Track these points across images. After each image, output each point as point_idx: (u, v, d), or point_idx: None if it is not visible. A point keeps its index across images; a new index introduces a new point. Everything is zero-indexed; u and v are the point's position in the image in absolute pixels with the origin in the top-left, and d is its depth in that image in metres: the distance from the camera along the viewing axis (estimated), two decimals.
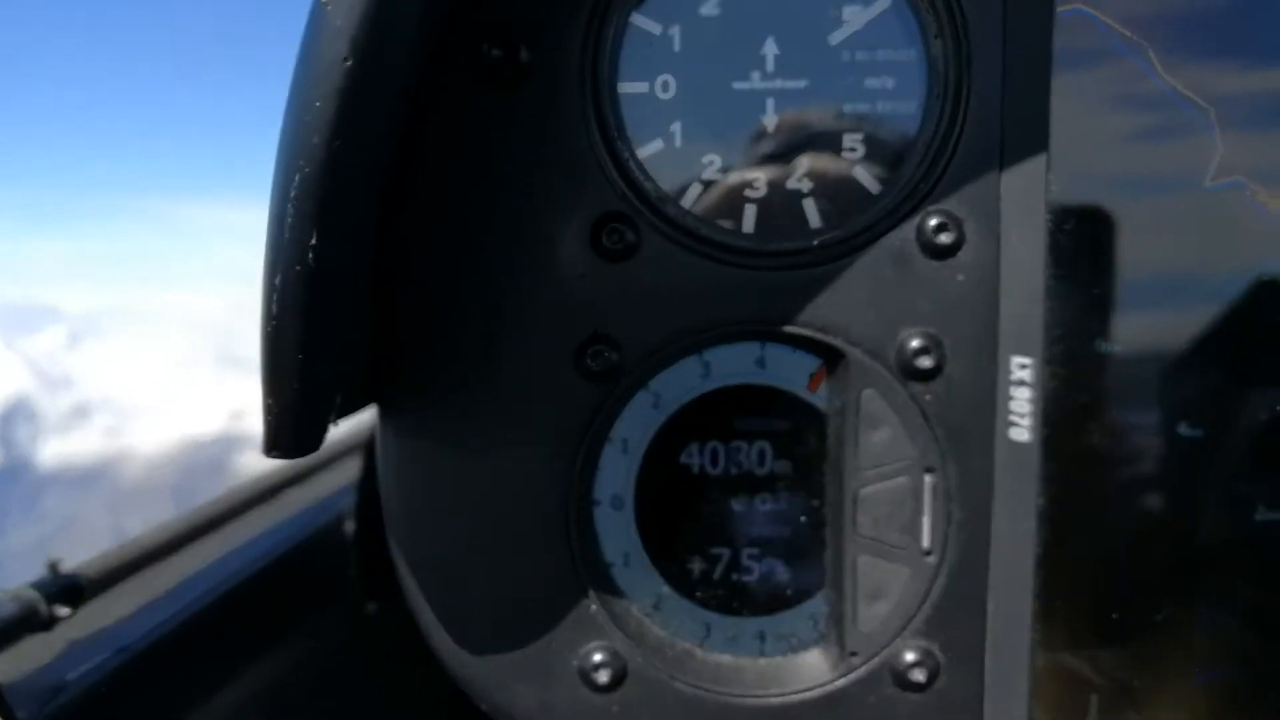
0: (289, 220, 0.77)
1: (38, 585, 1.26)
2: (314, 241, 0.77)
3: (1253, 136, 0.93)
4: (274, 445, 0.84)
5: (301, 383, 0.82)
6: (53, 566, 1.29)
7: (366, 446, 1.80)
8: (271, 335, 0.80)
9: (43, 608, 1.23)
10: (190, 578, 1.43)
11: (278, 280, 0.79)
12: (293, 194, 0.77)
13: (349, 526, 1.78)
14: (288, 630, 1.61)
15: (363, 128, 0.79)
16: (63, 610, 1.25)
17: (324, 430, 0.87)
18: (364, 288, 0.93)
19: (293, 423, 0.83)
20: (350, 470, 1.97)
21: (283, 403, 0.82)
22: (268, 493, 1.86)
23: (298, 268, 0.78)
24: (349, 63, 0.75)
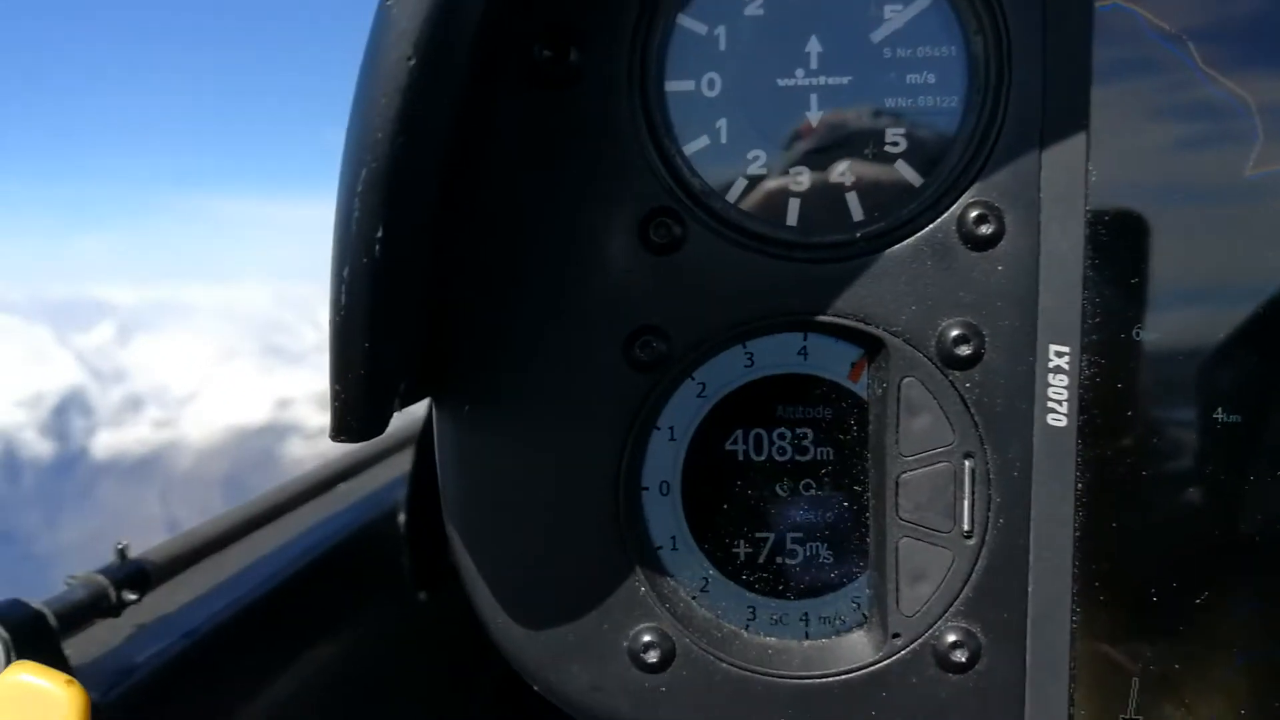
0: (356, 214, 0.82)
1: (106, 571, 1.32)
2: (379, 234, 0.82)
3: None
4: (340, 429, 0.88)
5: (367, 370, 0.86)
6: (121, 553, 1.35)
7: (418, 441, 1.85)
8: (339, 324, 0.85)
9: (111, 593, 1.29)
10: (250, 566, 1.49)
11: (345, 272, 0.83)
12: (359, 189, 0.81)
13: (401, 518, 1.83)
14: (343, 617, 1.66)
15: (424, 124, 0.83)
16: (130, 595, 1.30)
17: (387, 416, 0.92)
18: (425, 280, 0.97)
19: (358, 408, 0.88)
20: (402, 464, 2.03)
21: (349, 389, 0.87)
22: (322, 485, 1.92)
23: (364, 260, 0.82)
24: (412, 61, 0.79)
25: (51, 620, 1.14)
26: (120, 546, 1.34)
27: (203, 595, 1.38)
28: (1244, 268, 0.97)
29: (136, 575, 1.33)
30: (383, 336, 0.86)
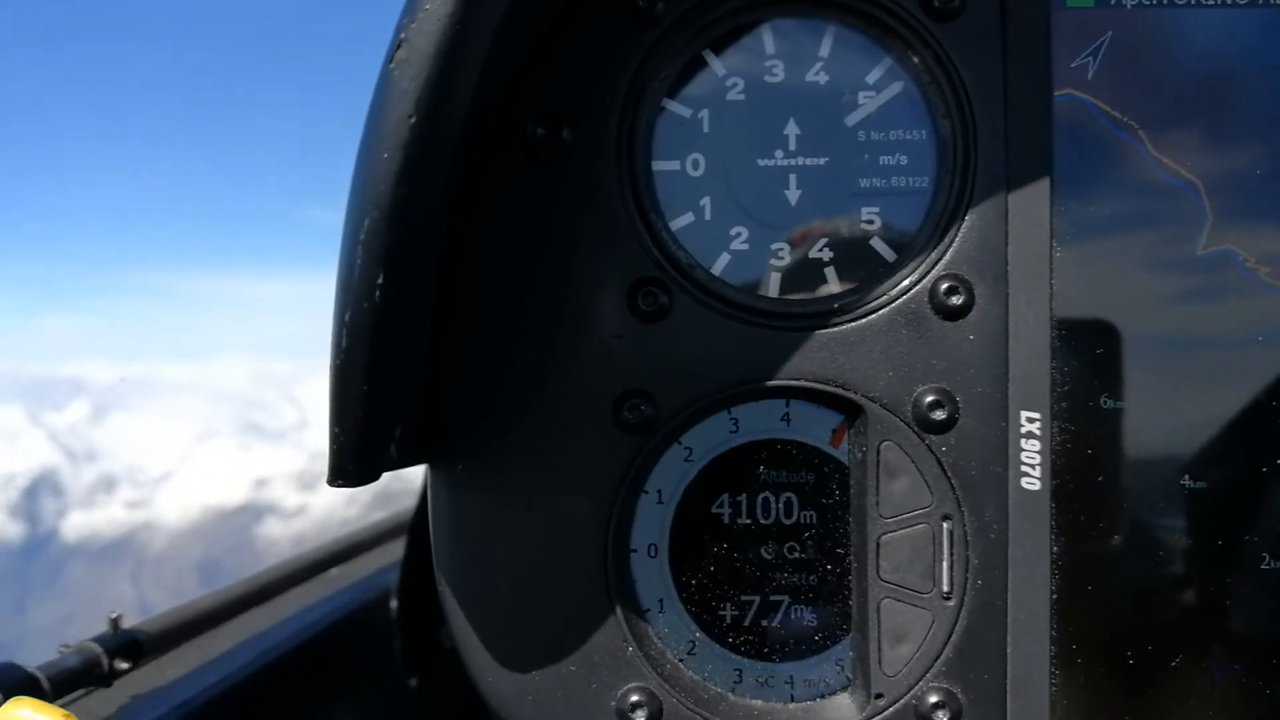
0: (358, 262, 0.87)
1: (100, 640, 1.32)
2: (380, 281, 0.87)
3: (1240, 208, 1.01)
4: (338, 474, 0.92)
5: (365, 412, 0.90)
6: (114, 623, 1.35)
7: (411, 526, 1.86)
8: (340, 368, 0.89)
9: (104, 661, 1.29)
10: (243, 644, 1.49)
11: (347, 317, 0.88)
12: (362, 237, 0.87)
13: (393, 603, 1.84)
14: (334, 699, 1.66)
15: (424, 180, 0.89)
16: (123, 665, 1.31)
17: (383, 463, 0.95)
18: (421, 332, 1.01)
19: (356, 451, 0.91)
20: (394, 550, 2.03)
21: (348, 431, 0.90)
22: (316, 567, 1.93)
23: (365, 304, 0.87)
24: (413, 119, 0.85)
25: (45, 684, 1.15)
26: (114, 616, 1.34)
27: (194, 670, 1.38)
28: (1202, 336, 1.03)
29: (129, 645, 1.33)
30: (381, 381, 0.90)
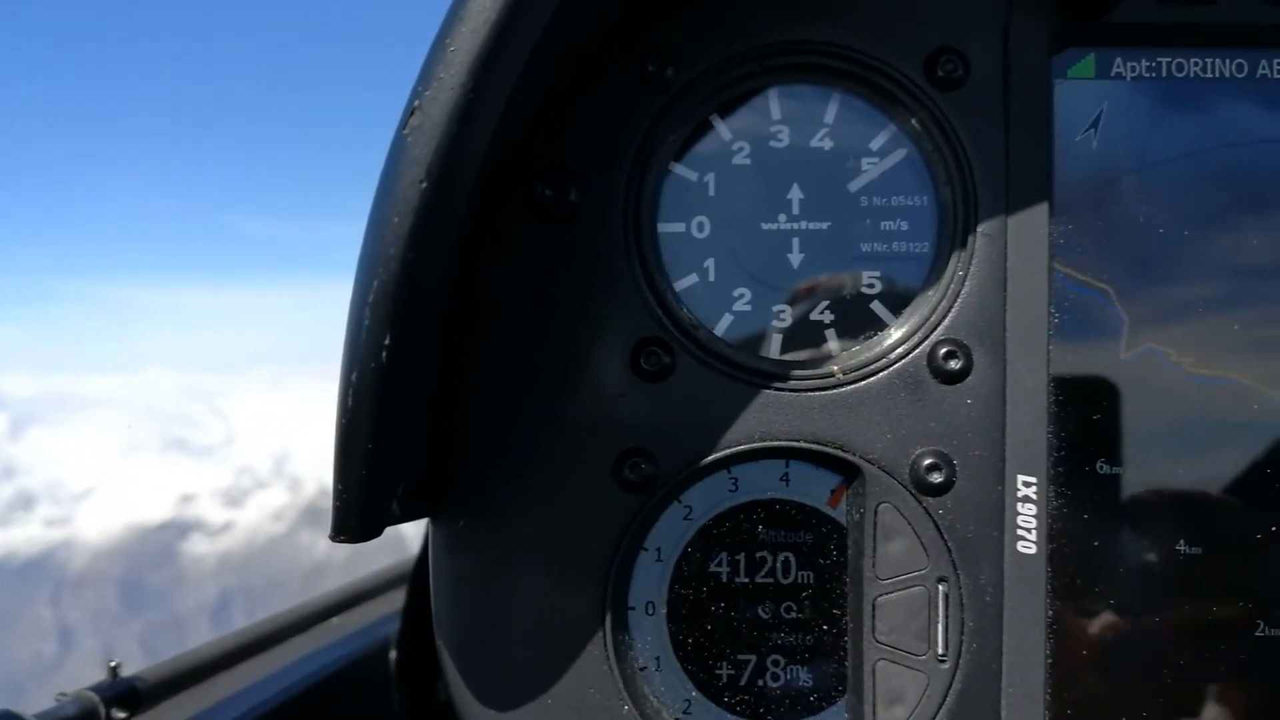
0: (366, 323, 0.88)
1: (97, 689, 1.30)
2: (387, 341, 0.88)
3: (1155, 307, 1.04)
4: (340, 529, 0.92)
5: (370, 470, 0.90)
6: (112, 670, 1.34)
7: (412, 578, 1.85)
8: (345, 426, 0.90)
9: (101, 711, 1.28)
10: (241, 693, 1.47)
11: (354, 376, 0.89)
12: (370, 299, 0.87)
13: (392, 654, 1.82)
14: None
15: (433, 244, 0.89)
16: (120, 714, 1.29)
17: (385, 520, 0.95)
18: (427, 391, 1.02)
19: (359, 508, 0.92)
20: (395, 601, 2.02)
21: (351, 488, 0.91)
22: (315, 617, 1.91)
23: (372, 364, 0.88)
24: (424, 185, 0.86)
25: None
26: (112, 665, 1.33)
27: (192, 719, 1.36)
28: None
29: (128, 694, 1.33)
30: (386, 440, 0.91)
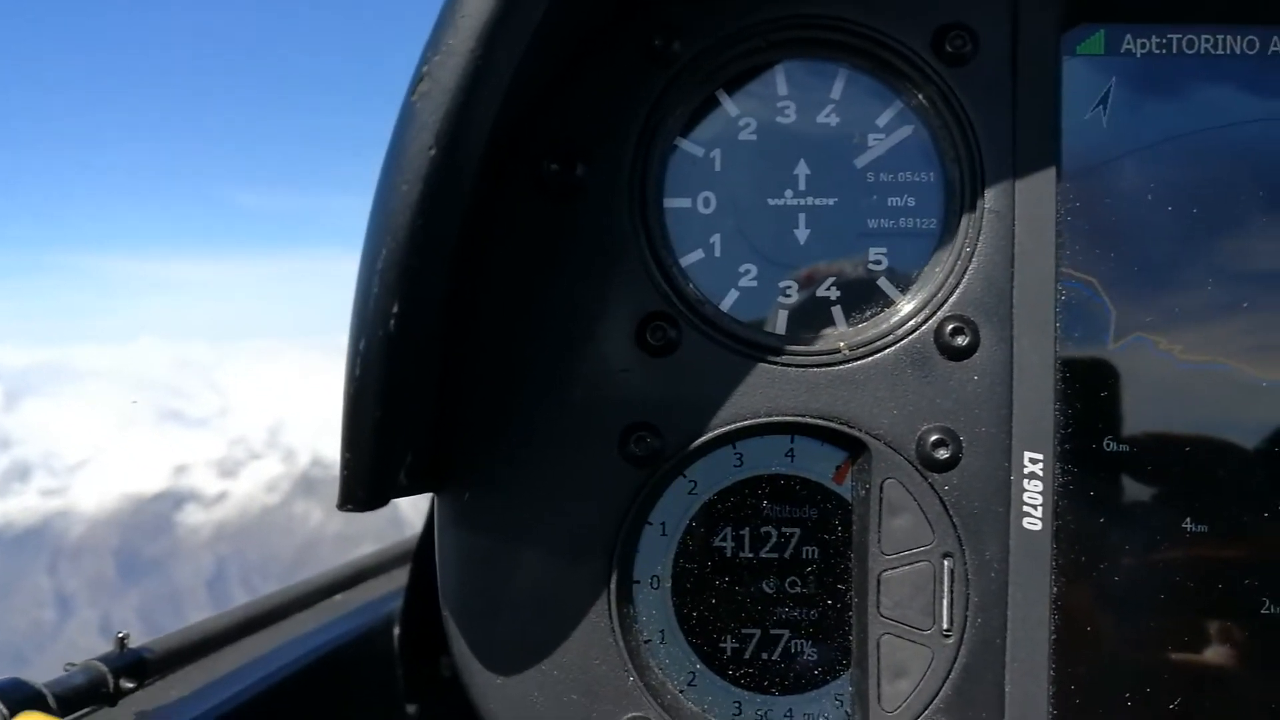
0: (375, 290, 0.88)
1: (105, 659, 1.31)
2: (395, 309, 0.88)
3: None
4: (348, 498, 0.93)
5: (377, 439, 0.91)
6: (120, 641, 1.34)
7: (416, 553, 1.86)
8: (353, 395, 0.90)
9: (110, 680, 1.28)
10: (246, 666, 1.48)
11: (362, 344, 0.89)
12: (379, 266, 0.87)
13: (396, 630, 1.84)
14: None
15: (440, 211, 0.89)
16: (128, 684, 1.29)
17: (392, 490, 0.96)
18: (434, 361, 1.02)
19: (366, 477, 0.92)
20: (400, 577, 2.03)
21: (359, 456, 0.91)
22: (321, 592, 1.92)
23: (380, 332, 0.88)
24: (433, 152, 0.86)
25: (50, 701, 1.15)
26: (120, 635, 1.34)
27: (198, 691, 1.37)
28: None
29: (135, 664, 1.33)
30: (393, 408, 0.91)
